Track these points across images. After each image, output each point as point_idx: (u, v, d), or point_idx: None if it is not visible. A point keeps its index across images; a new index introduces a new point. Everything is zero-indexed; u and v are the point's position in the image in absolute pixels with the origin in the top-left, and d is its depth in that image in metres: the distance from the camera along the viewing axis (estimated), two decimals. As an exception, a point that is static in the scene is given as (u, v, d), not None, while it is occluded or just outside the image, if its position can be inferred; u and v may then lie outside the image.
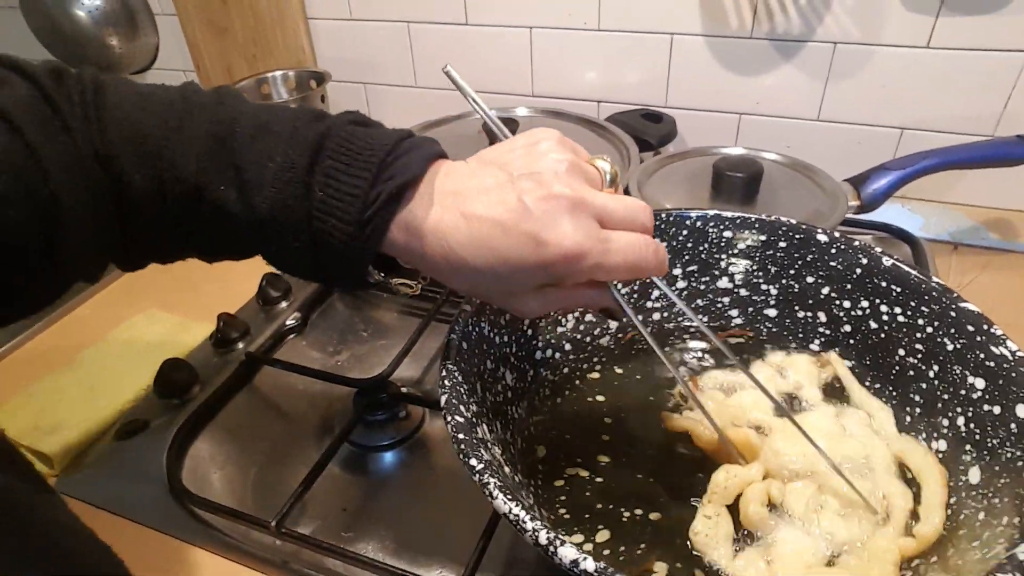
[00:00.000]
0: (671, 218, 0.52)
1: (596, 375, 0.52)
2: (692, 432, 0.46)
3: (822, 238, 0.50)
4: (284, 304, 0.71)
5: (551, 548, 0.30)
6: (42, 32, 1.08)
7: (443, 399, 0.37)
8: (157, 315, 0.73)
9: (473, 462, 0.33)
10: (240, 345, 0.66)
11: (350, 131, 0.35)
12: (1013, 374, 0.38)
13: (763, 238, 0.52)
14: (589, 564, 0.29)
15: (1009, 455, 0.36)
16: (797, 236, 0.51)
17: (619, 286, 0.38)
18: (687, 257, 0.53)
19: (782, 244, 0.51)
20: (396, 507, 0.52)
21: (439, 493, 0.52)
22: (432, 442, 0.56)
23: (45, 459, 0.56)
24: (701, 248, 0.53)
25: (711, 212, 0.52)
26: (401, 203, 0.34)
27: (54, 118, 0.33)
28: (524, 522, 0.31)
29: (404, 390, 0.59)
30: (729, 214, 0.52)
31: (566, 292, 0.36)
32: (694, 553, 0.39)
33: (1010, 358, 0.39)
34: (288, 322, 0.69)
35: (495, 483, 0.32)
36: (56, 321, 0.75)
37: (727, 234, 0.52)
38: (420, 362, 0.64)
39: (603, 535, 0.41)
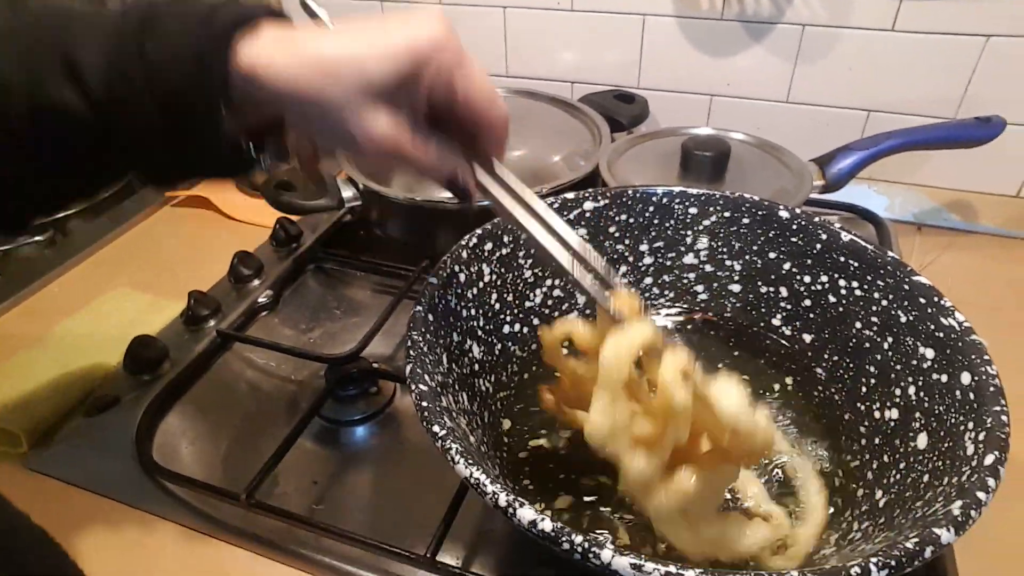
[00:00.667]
0: (637, 195, 0.53)
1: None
2: (572, 334, 0.41)
3: (784, 214, 0.51)
4: (256, 282, 0.71)
5: (510, 510, 0.31)
6: None
7: (408, 368, 0.38)
8: (128, 294, 0.72)
9: (436, 428, 0.34)
10: (211, 323, 0.66)
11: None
12: (960, 343, 0.39)
13: (727, 214, 0.53)
14: (547, 524, 0.30)
15: (953, 420, 0.37)
16: (760, 212, 0.52)
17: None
18: (653, 233, 0.54)
19: (745, 220, 0.52)
20: (366, 480, 0.52)
21: (409, 467, 0.53)
22: (402, 417, 0.57)
23: (13, 437, 0.56)
24: (667, 224, 0.54)
25: (676, 189, 0.53)
26: (241, 34, 0.32)
27: None
28: (484, 485, 0.32)
29: (375, 365, 0.59)
30: (694, 191, 0.53)
31: (416, 130, 0.35)
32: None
33: (958, 328, 0.40)
34: (260, 300, 0.69)
35: (457, 448, 0.33)
36: (25, 299, 0.74)
37: (692, 211, 0.53)
38: (392, 339, 0.64)
39: (564, 501, 0.42)
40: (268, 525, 0.48)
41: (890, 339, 0.45)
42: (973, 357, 0.38)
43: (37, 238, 0.90)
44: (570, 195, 0.52)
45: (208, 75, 0.32)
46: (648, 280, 0.56)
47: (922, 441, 0.40)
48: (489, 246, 0.49)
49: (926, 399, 0.41)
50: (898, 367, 0.44)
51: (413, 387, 0.36)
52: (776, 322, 0.53)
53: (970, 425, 0.36)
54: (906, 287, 0.44)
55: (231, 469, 0.53)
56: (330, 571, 0.46)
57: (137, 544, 0.48)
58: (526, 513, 0.30)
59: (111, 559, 0.47)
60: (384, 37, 0.33)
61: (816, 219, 0.50)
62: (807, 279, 0.50)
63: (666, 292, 0.56)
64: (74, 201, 0.38)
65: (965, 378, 0.38)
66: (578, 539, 0.29)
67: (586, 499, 0.42)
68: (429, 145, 0.36)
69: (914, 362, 0.43)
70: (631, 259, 0.55)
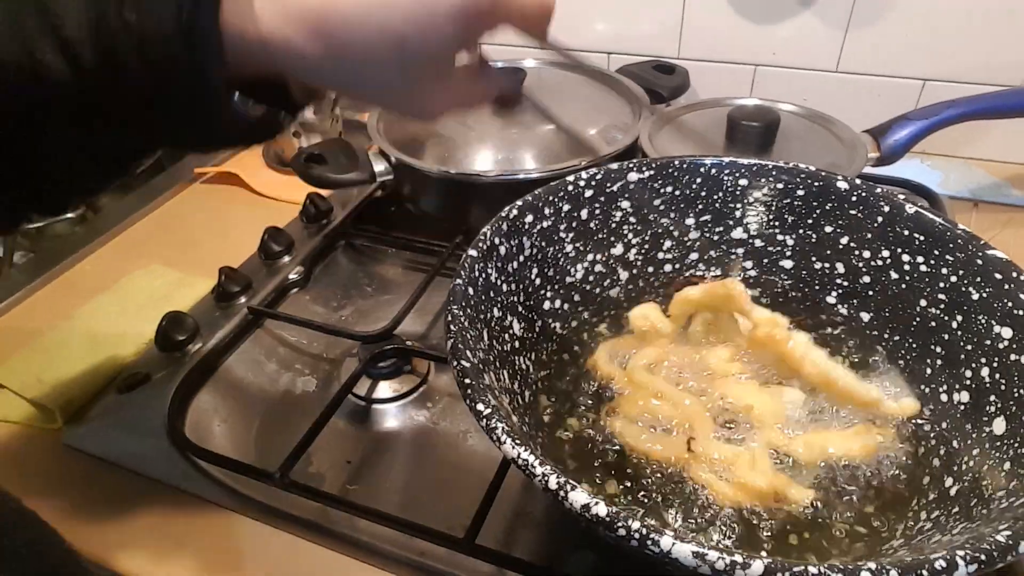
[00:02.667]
0: (685, 165, 0.50)
1: (604, 328, 0.51)
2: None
3: (842, 186, 0.48)
4: (286, 259, 0.70)
5: (561, 493, 0.29)
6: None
7: (449, 344, 0.36)
8: (158, 270, 0.71)
9: (480, 407, 0.32)
10: (242, 299, 0.65)
11: None
12: (1043, 322, 0.36)
13: (780, 186, 0.50)
14: (601, 508, 0.28)
15: (1037, 404, 0.35)
16: (816, 184, 0.49)
17: None
18: (700, 206, 0.51)
19: (800, 192, 0.49)
20: (401, 461, 0.51)
21: (444, 447, 0.52)
22: (437, 396, 0.55)
23: (48, 413, 0.55)
24: (715, 197, 0.51)
25: (726, 159, 0.50)
26: None
27: None
28: (533, 467, 0.30)
29: (409, 344, 0.58)
30: (745, 161, 0.50)
31: (464, 80, 0.33)
32: (705, 499, 0.39)
33: (1040, 306, 0.37)
34: (291, 276, 0.67)
35: (503, 428, 0.31)
36: (57, 276, 0.74)
37: (743, 182, 0.50)
38: (425, 317, 0.63)
39: (612, 486, 0.40)
40: (301, 505, 0.47)
41: (959, 317, 0.42)
42: (1060, 336, 0.35)
43: (68, 216, 0.90)
44: (614, 166, 0.50)
45: (193, 51, 0.28)
46: (694, 256, 0.53)
47: (999, 426, 0.37)
48: (530, 218, 0.46)
49: (1003, 382, 0.38)
50: (968, 347, 0.41)
51: (455, 363, 0.35)
52: (831, 300, 0.50)
53: (1058, 409, 0.33)
54: (979, 262, 0.41)
55: (263, 447, 0.52)
56: (365, 552, 0.44)
57: (170, 521, 0.47)
58: (579, 496, 0.28)
59: (143, 535, 0.47)
60: None
61: (877, 190, 0.47)
62: (867, 254, 0.47)
63: (712, 269, 0.53)
64: (88, 184, 0.35)
65: (1050, 359, 0.35)
66: (635, 524, 0.27)
67: (633, 481, 0.40)
68: (476, 82, 0.34)
69: (987, 342, 0.40)
70: (676, 234, 0.52)
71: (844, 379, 0.43)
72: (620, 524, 0.27)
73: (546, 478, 0.29)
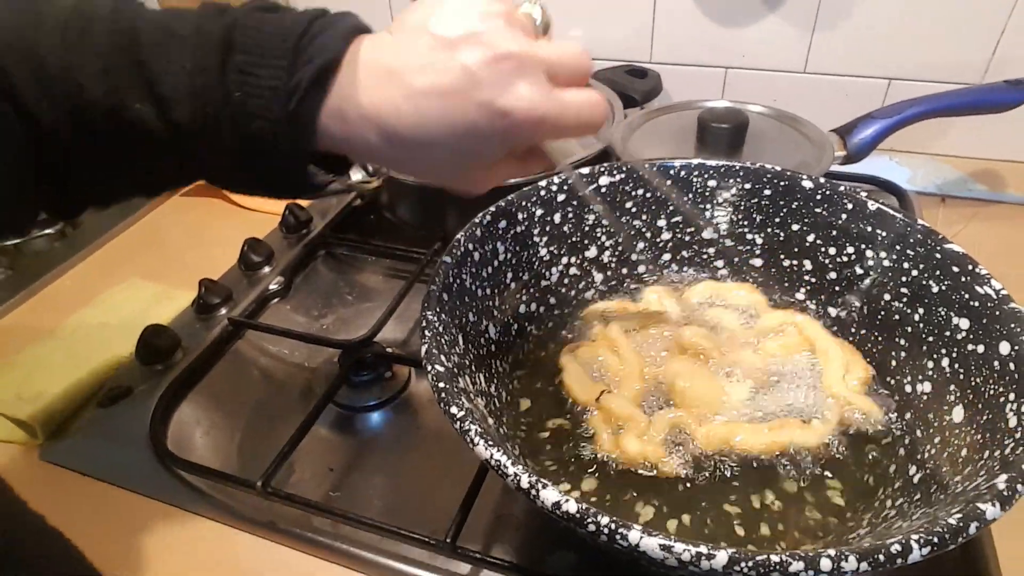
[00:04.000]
0: (654, 168, 0.51)
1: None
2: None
3: (807, 184, 0.49)
4: (266, 269, 0.70)
5: (533, 492, 0.29)
6: None
7: (424, 349, 0.36)
8: (139, 284, 0.71)
9: (454, 410, 0.33)
10: (223, 311, 0.65)
11: (258, 19, 0.32)
12: (997, 312, 0.38)
13: (747, 186, 0.51)
14: (571, 505, 0.29)
15: (992, 391, 0.36)
16: (782, 183, 0.50)
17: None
18: (671, 208, 0.52)
19: (767, 192, 0.51)
20: (383, 467, 0.51)
21: (426, 452, 0.52)
22: (418, 402, 0.56)
23: (28, 428, 0.55)
24: (686, 198, 0.52)
25: (695, 161, 0.51)
26: (327, 89, 0.31)
27: None
28: (505, 467, 0.30)
29: (389, 350, 0.58)
30: (713, 163, 0.51)
31: (515, 162, 0.37)
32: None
33: (994, 297, 0.38)
34: (271, 287, 0.68)
35: (476, 430, 0.32)
36: (36, 292, 0.74)
37: (711, 183, 0.52)
38: (405, 323, 0.63)
39: (589, 484, 0.41)
40: (285, 513, 0.47)
41: (921, 310, 0.43)
42: (1012, 326, 0.36)
43: (47, 231, 0.89)
44: (585, 170, 0.51)
45: (293, 137, 0.31)
46: (667, 256, 0.54)
47: (958, 414, 0.38)
48: (503, 224, 0.47)
49: (961, 371, 0.39)
50: (930, 339, 0.42)
51: (429, 368, 0.35)
52: (800, 296, 0.51)
53: (1011, 396, 0.34)
54: (938, 256, 0.42)
55: (246, 457, 0.53)
56: (348, 558, 0.45)
57: (153, 534, 0.47)
58: (549, 495, 0.29)
59: (126, 549, 0.47)
60: (471, 119, 0.31)
61: (841, 188, 0.48)
62: (832, 251, 0.49)
63: (685, 268, 0.54)
64: (141, 195, 0.38)
65: (1004, 348, 0.36)
66: (604, 520, 0.28)
67: (610, 479, 0.41)
68: (525, 164, 0.38)
69: (947, 333, 0.41)
70: (649, 235, 0.53)
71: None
72: (590, 520, 0.28)
73: (518, 478, 0.30)
